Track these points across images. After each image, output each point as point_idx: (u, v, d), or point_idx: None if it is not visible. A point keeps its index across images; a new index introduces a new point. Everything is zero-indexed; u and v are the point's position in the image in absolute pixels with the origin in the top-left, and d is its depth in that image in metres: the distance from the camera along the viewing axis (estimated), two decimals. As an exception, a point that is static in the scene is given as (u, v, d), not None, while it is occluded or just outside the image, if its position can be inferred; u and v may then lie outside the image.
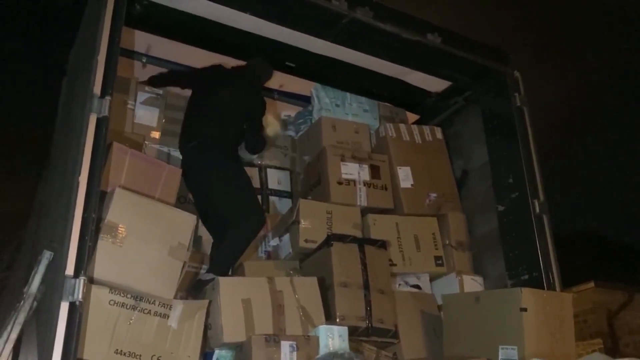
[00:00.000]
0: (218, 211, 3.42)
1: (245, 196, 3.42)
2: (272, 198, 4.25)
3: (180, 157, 3.66)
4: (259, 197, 4.04)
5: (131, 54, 3.87)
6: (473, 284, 3.66)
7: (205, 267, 3.44)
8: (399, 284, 3.64)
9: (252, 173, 4.03)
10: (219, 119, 3.51)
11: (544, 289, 3.25)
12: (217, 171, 3.39)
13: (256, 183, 4.03)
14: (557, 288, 3.31)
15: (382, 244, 3.40)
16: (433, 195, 3.88)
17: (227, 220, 3.29)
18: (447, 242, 3.80)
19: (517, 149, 3.60)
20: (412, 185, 3.88)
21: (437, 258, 3.72)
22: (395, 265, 3.58)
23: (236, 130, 3.59)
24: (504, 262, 3.62)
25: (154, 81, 3.85)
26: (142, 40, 3.83)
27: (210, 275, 3.03)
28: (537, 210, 3.45)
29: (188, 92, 4.01)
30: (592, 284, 8.50)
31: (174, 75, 3.95)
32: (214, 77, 3.71)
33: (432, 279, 3.76)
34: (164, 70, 3.97)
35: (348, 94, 4.30)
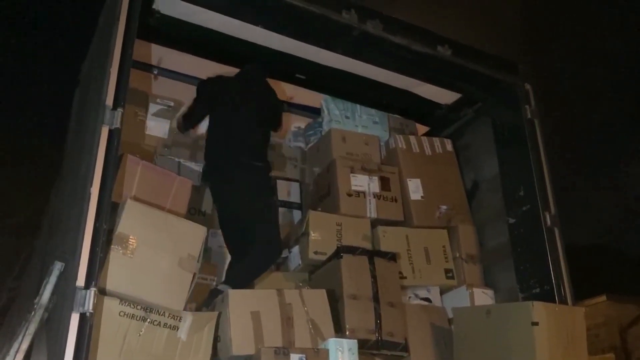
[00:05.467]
0: (252, 229, 3.39)
1: (276, 220, 3.46)
2: (281, 209, 4.25)
3: (192, 167, 3.68)
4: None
5: (142, 66, 3.90)
6: (484, 297, 3.63)
7: (213, 278, 3.44)
8: (409, 297, 3.62)
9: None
10: (253, 132, 3.51)
11: (555, 302, 3.22)
12: (264, 194, 3.45)
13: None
14: (569, 302, 3.26)
15: (392, 256, 3.38)
16: (443, 207, 3.86)
17: (260, 240, 3.30)
18: (458, 255, 3.78)
19: (528, 161, 3.57)
20: (422, 197, 3.86)
21: (447, 271, 3.70)
22: (406, 277, 3.56)
23: (266, 142, 3.63)
24: (515, 275, 3.58)
25: (185, 126, 3.77)
26: (153, 52, 3.87)
27: (227, 287, 3.02)
28: (549, 223, 3.42)
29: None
30: (604, 298, 8.41)
31: (195, 111, 3.76)
32: (226, 90, 3.67)
33: (442, 292, 3.73)
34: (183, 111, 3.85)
35: (358, 106, 4.31)
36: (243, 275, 3.25)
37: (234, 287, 3.07)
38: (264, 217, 3.38)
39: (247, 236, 3.35)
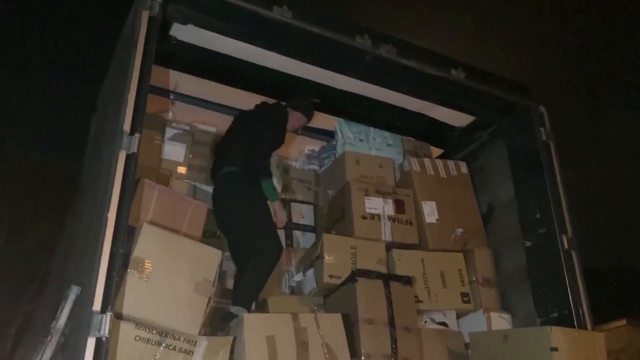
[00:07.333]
0: (241, 238, 3.42)
1: (266, 223, 3.41)
2: (295, 232, 4.25)
3: (207, 190, 3.71)
4: (283, 231, 4.06)
5: (158, 91, 3.95)
6: (501, 321, 3.59)
7: (228, 302, 3.43)
8: (425, 321, 3.58)
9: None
10: (240, 147, 3.58)
11: (574, 327, 3.17)
12: (240, 197, 3.42)
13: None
14: (588, 327, 3.21)
15: (408, 280, 3.35)
16: (459, 230, 3.84)
17: (250, 248, 3.28)
18: (474, 279, 3.75)
19: (544, 183, 3.55)
20: (437, 220, 3.84)
21: (463, 295, 3.66)
22: (421, 301, 3.53)
23: (256, 157, 3.62)
24: (533, 300, 3.54)
25: None
26: (170, 78, 3.92)
27: (240, 310, 3.01)
28: (566, 246, 3.38)
29: (214, 128, 4.09)
30: (624, 322, 8.25)
31: None
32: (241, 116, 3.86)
33: (458, 316, 3.69)
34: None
35: (372, 129, 4.33)
36: (249, 286, 3.22)
37: (244, 302, 3.08)
38: (251, 219, 3.35)
39: (243, 244, 3.36)
